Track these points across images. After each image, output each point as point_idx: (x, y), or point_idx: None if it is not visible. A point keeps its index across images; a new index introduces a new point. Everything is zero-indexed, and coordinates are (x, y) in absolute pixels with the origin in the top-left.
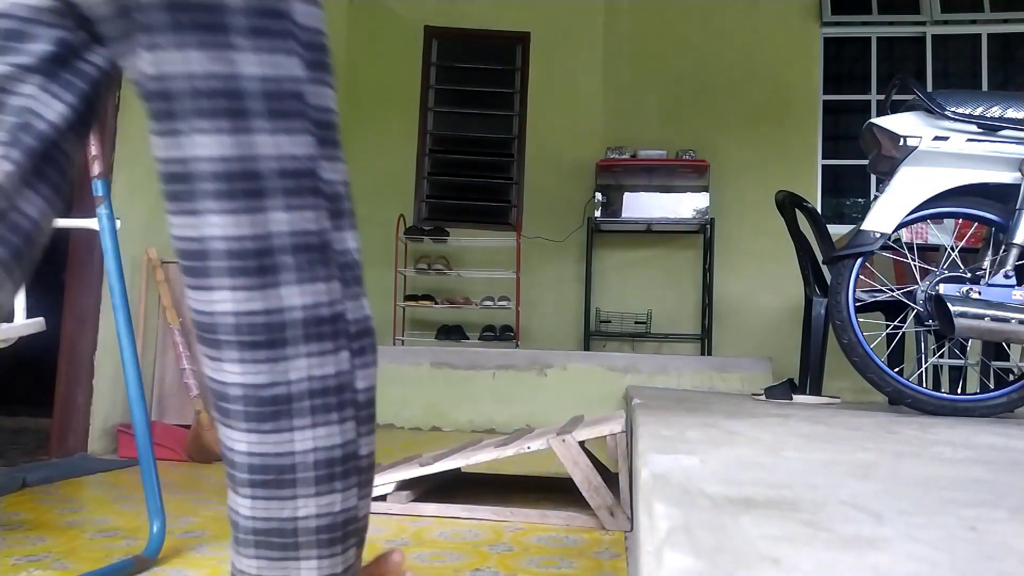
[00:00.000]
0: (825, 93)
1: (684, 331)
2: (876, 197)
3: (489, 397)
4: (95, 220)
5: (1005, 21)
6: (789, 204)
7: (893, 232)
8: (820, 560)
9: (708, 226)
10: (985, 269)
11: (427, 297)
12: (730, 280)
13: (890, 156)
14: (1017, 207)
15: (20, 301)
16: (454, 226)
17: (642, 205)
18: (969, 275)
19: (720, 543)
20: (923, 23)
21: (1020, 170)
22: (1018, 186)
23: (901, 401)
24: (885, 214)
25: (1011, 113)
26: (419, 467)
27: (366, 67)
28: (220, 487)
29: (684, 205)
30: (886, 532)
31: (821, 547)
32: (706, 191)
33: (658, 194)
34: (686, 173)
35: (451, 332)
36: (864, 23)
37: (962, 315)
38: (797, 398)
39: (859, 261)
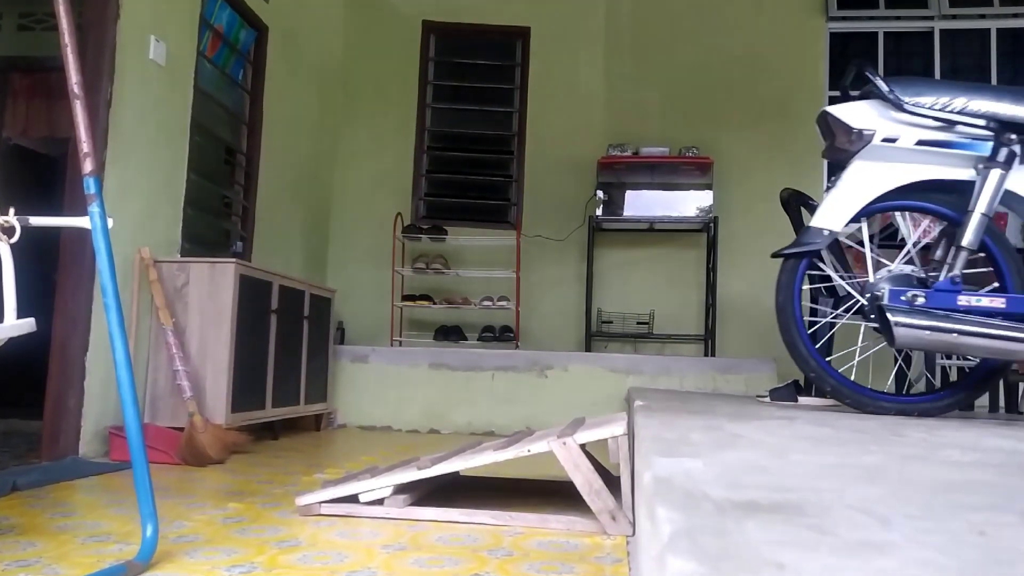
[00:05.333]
0: (831, 89)
1: (687, 332)
2: (828, 189)
3: (488, 399)
4: (86, 219)
5: (1015, 15)
6: (794, 202)
7: (843, 229)
8: (826, 565)
9: (711, 224)
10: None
11: (425, 297)
12: (734, 280)
13: (844, 147)
14: (970, 208)
15: (11, 301)
16: (453, 225)
17: (644, 203)
18: (922, 274)
19: (724, 548)
20: (931, 17)
21: (975, 168)
22: (973, 183)
23: (840, 399)
24: (835, 211)
25: (973, 106)
26: (417, 470)
27: (363, 62)
28: (214, 490)
29: (687, 203)
30: (893, 537)
31: (827, 552)
32: (709, 189)
33: (660, 192)
34: (689, 171)
35: (450, 333)
36: (871, 17)
37: (904, 326)
38: (802, 400)
39: (806, 260)
